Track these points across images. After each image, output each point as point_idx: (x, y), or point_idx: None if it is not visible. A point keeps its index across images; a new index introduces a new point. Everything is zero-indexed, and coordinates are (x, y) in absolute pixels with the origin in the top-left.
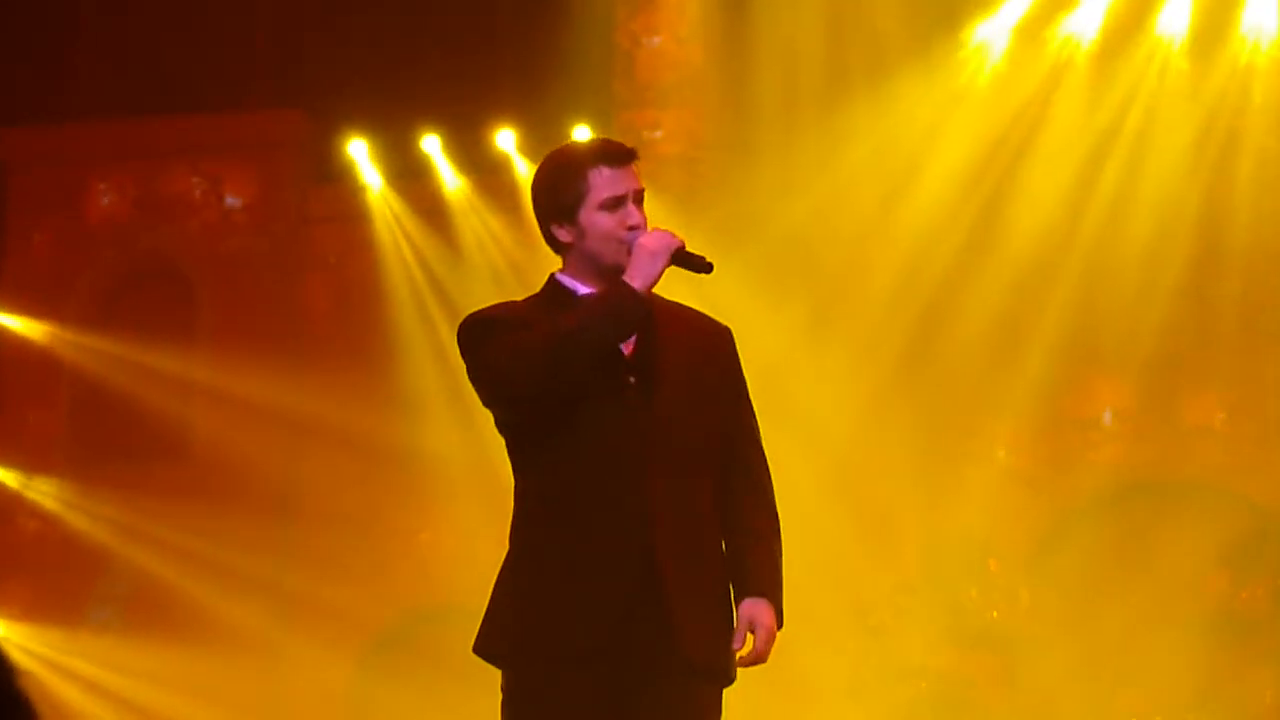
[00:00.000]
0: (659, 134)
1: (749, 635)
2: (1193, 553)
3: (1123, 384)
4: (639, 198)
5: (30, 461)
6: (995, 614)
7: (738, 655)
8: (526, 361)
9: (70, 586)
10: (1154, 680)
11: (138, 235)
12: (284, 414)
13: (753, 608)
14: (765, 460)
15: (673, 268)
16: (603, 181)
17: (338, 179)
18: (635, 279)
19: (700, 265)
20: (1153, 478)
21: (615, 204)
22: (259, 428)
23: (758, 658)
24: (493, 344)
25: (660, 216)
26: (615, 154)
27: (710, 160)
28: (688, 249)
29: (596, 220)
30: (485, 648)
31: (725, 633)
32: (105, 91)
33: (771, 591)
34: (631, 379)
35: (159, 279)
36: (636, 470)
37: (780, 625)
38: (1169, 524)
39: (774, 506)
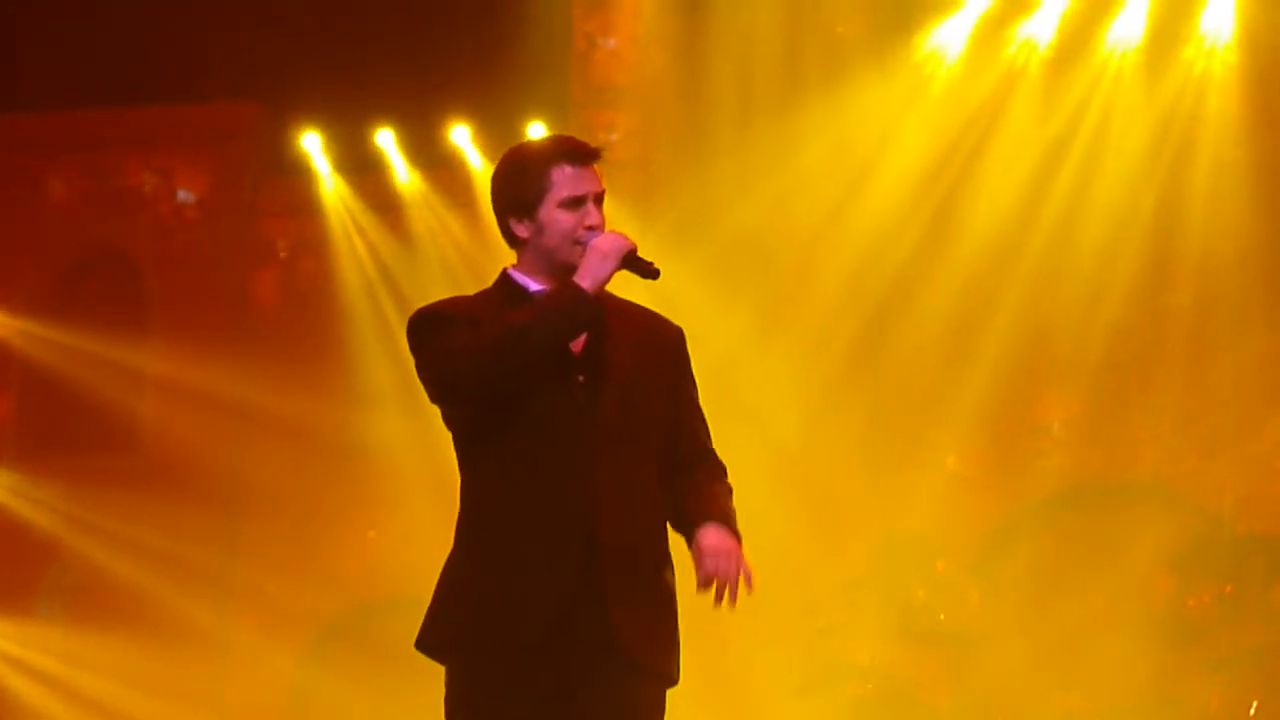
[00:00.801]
0: (615, 135)
1: (706, 568)
2: (1140, 558)
3: (1072, 391)
4: (599, 199)
5: None
6: (943, 615)
7: (701, 592)
8: (474, 360)
9: (18, 576)
10: (1100, 682)
11: (89, 227)
12: (233, 406)
13: (701, 536)
14: (718, 458)
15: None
16: (564, 179)
17: (290, 172)
18: (585, 279)
19: (648, 271)
20: (1100, 484)
21: (575, 203)
22: (208, 420)
23: (723, 578)
24: (441, 341)
25: (616, 216)
26: (579, 153)
27: (665, 161)
28: (639, 253)
29: (556, 217)
30: (428, 642)
31: (668, 633)
32: (58, 83)
33: (720, 517)
34: (580, 377)
35: (110, 270)
36: (582, 468)
37: (739, 544)
38: (1117, 529)
39: (729, 489)
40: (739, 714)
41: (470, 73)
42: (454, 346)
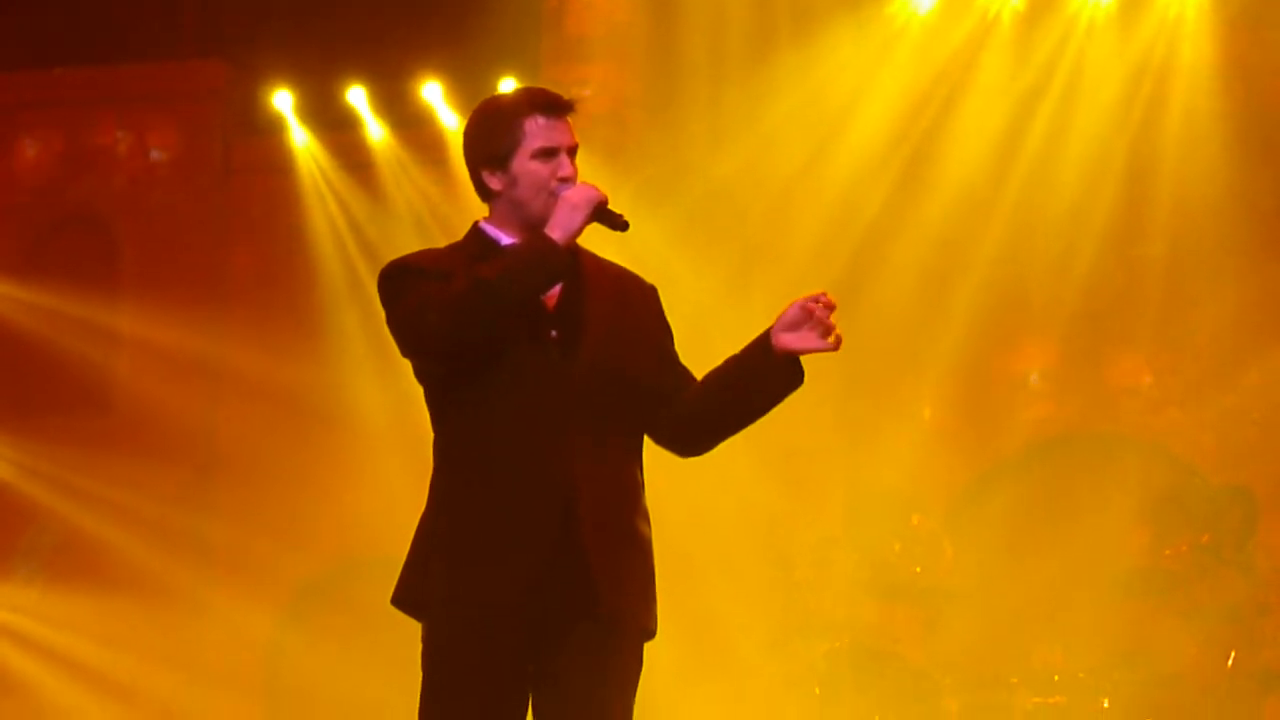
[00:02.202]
0: (587, 90)
1: (801, 322)
2: (1116, 510)
3: (1048, 343)
4: (572, 151)
5: None
6: (918, 569)
7: (819, 336)
8: (443, 314)
9: None
10: (1076, 634)
11: (61, 186)
12: (207, 366)
13: (771, 334)
14: None
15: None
16: (537, 130)
17: (263, 131)
18: (555, 231)
19: (618, 223)
20: (1076, 435)
21: (548, 154)
22: (182, 380)
23: (817, 314)
24: (411, 295)
25: (588, 171)
26: (552, 104)
27: (638, 115)
28: (610, 205)
29: (529, 169)
30: (404, 598)
31: (645, 587)
32: (27, 42)
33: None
34: (554, 332)
35: (83, 230)
36: (557, 423)
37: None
38: (1092, 481)
39: None
40: (714, 667)
41: (441, 28)
42: (423, 301)
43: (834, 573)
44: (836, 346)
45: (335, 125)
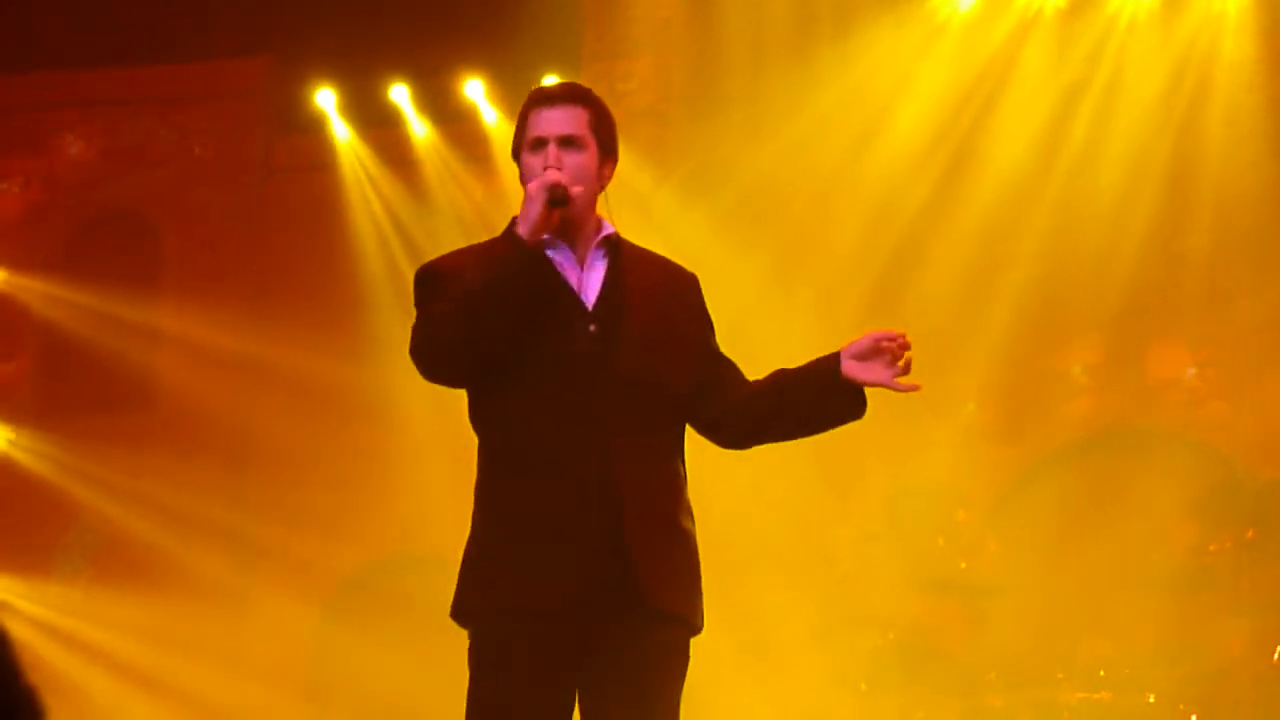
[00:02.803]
0: (630, 85)
1: (871, 355)
2: (1160, 505)
3: (1091, 337)
4: (563, 141)
5: None
6: (963, 564)
7: (890, 370)
8: (435, 341)
9: (37, 536)
10: (1122, 631)
11: (104, 184)
12: (248, 363)
13: (840, 361)
14: None
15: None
16: (535, 122)
17: (305, 128)
18: (521, 224)
19: (559, 199)
20: (1120, 430)
21: (537, 145)
22: (224, 377)
23: (894, 347)
24: (422, 315)
25: (629, 166)
26: (548, 96)
27: (679, 110)
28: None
29: (525, 161)
30: (456, 610)
31: (690, 582)
32: (72, 43)
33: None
34: (592, 327)
35: (125, 228)
36: (596, 420)
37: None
38: (1137, 476)
39: None
40: (759, 663)
41: (484, 26)
42: (423, 323)
43: (878, 568)
44: (906, 388)
45: (378, 122)
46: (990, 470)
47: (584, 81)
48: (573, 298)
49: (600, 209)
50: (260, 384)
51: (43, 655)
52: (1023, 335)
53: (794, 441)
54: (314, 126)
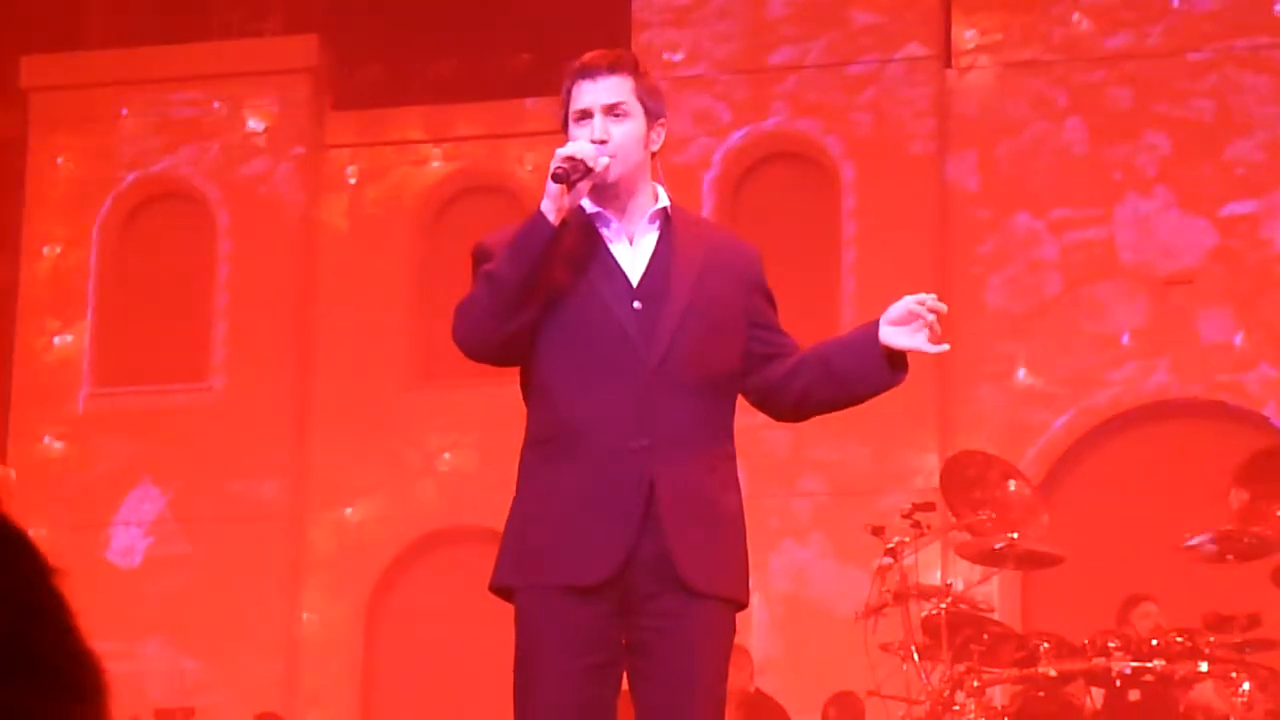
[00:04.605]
0: (679, 55)
1: (906, 319)
2: (1212, 471)
3: (1138, 303)
4: (610, 110)
5: (54, 384)
6: (1014, 534)
7: (926, 337)
8: (466, 323)
9: (96, 507)
10: (1174, 599)
11: (159, 158)
12: (302, 337)
13: (879, 328)
14: None
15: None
16: (577, 95)
17: (355, 104)
18: (544, 200)
19: (559, 176)
20: (1170, 395)
21: (580, 117)
22: (277, 351)
23: (924, 310)
24: (465, 296)
25: (678, 134)
26: (588, 67)
27: (728, 78)
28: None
29: (571, 134)
30: (496, 581)
31: (728, 558)
32: (128, 21)
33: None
34: (636, 304)
35: (179, 204)
36: (637, 399)
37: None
38: (1187, 440)
39: None
40: (810, 630)
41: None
42: (460, 309)
43: (930, 538)
44: (937, 349)
45: (425, 98)
46: (1043, 438)
47: (632, 52)
48: (619, 273)
49: (657, 175)
50: (313, 354)
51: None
52: (1072, 300)
53: (845, 411)
54: (364, 102)
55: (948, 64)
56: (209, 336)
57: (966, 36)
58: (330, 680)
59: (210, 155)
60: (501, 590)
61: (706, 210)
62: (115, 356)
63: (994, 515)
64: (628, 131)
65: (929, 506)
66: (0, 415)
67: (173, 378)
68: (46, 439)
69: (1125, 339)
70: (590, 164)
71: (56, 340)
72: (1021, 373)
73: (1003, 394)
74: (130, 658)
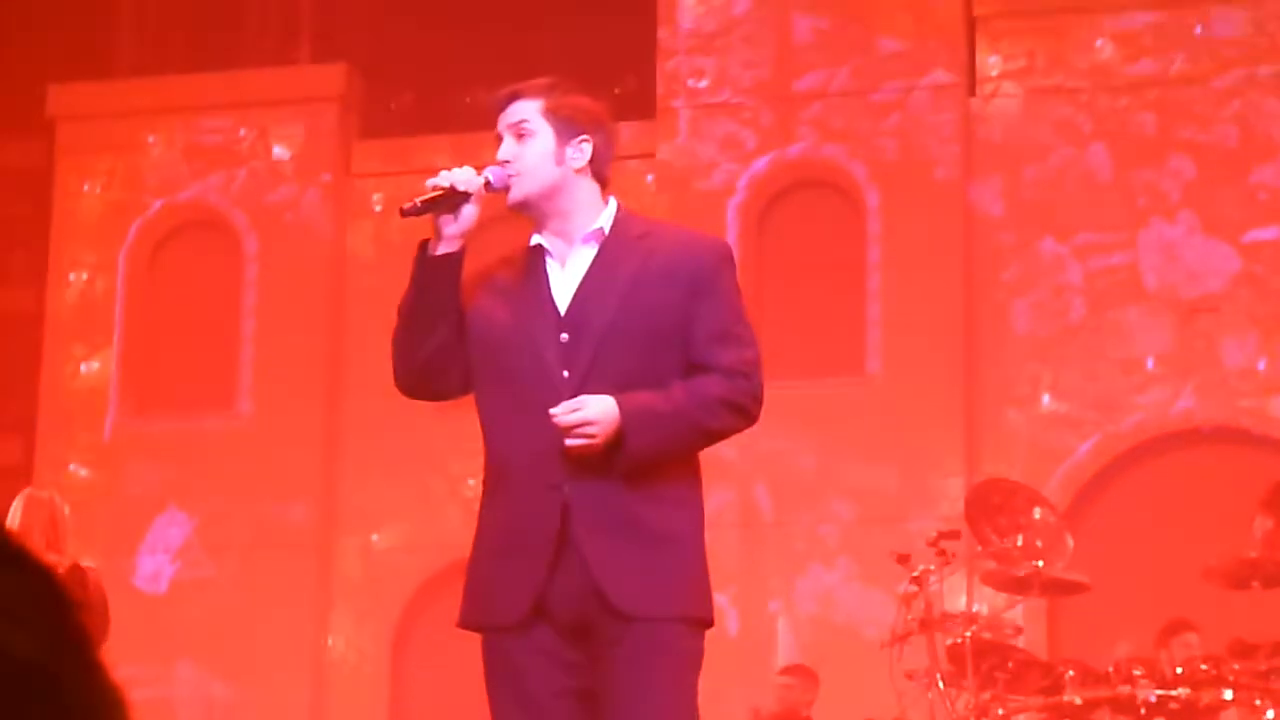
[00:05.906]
0: (704, 82)
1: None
2: (1238, 498)
3: (1164, 327)
4: (513, 130)
5: (81, 411)
6: (1040, 562)
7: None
8: (392, 353)
9: (124, 535)
10: (1199, 627)
11: (186, 186)
12: (331, 366)
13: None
14: (736, 375)
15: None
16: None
17: (383, 133)
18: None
19: (410, 209)
20: (1196, 421)
21: (497, 145)
22: (304, 377)
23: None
24: None
25: (705, 160)
26: (497, 99)
27: (753, 104)
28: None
29: None
30: (461, 617)
31: (665, 577)
32: (156, 49)
33: (627, 403)
34: (564, 336)
35: (206, 232)
36: (558, 433)
37: (629, 449)
38: (1213, 467)
39: (733, 399)
40: (835, 656)
41: (557, 26)
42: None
43: (955, 565)
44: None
45: (454, 126)
46: (1068, 465)
47: (659, 78)
48: (549, 305)
49: (606, 193)
50: (341, 382)
51: None
52: (1097, 325)
53: (871, 435)
54: (393, 130)
55: (972, 91)
56: (236, 363)
57: (991, 63)
58: (357, 705)
59: (237, 182)
60: (462, 624)
61: (731, 237)
62: (142, 383)
63: (1019, 543)
64: (531, 148)
65: (954, 534)
66: (27, 442)
67: (200, 404)
68: (73, 466)
69: (1150, 364)
70: (463, 187)
71: (83, 367)
72: (1046, 398)
73: (1028, 418)
74: (158, 683)
